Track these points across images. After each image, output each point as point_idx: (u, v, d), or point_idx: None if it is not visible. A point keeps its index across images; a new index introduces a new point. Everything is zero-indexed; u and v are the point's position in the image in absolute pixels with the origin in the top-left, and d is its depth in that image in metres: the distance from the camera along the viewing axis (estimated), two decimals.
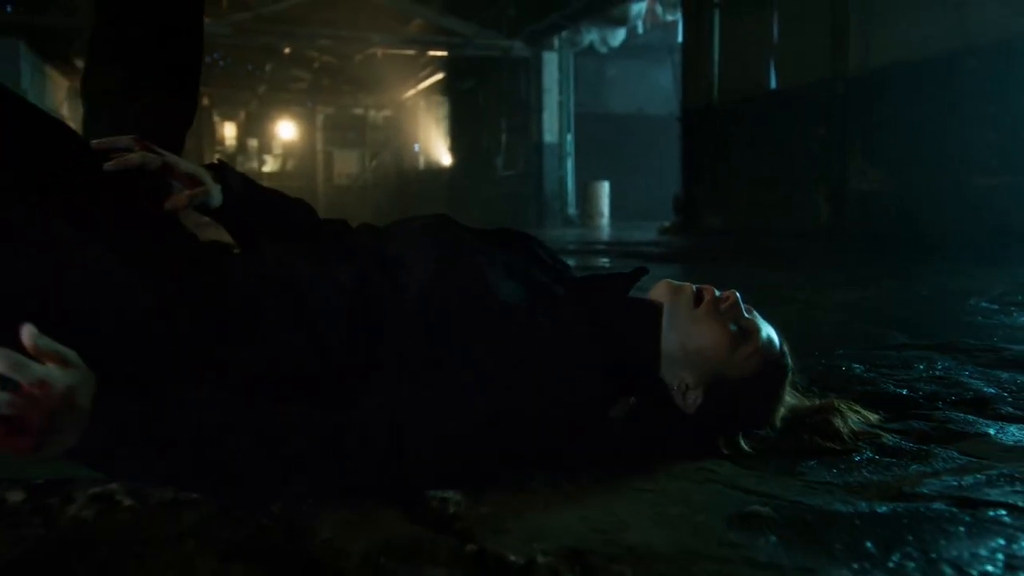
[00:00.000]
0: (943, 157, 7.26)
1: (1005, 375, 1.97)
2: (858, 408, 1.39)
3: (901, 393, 1.79)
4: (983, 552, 0.95)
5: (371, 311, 1.15)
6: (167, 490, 1.07)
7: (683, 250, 7.74)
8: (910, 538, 0.98)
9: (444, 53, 17.44)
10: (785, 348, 1.29)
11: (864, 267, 5.61)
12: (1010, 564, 0.92)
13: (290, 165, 27.15)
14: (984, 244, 6.41)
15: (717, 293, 1.29)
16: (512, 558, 0.93)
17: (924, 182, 7.48)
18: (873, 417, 1.42)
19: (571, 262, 5.99)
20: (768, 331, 1.29)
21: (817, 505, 1.09)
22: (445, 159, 22.10)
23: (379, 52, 17.94)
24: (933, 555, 0.94)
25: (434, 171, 23.19)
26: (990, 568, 0.91)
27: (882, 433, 1.38)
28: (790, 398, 1.32)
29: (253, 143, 26.73)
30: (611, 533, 1.00)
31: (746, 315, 1.27)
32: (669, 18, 12.59)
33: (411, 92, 23.03)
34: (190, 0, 2.13)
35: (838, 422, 1.32)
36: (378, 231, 1.39)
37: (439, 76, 20.41)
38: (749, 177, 9.75)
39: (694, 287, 1.30)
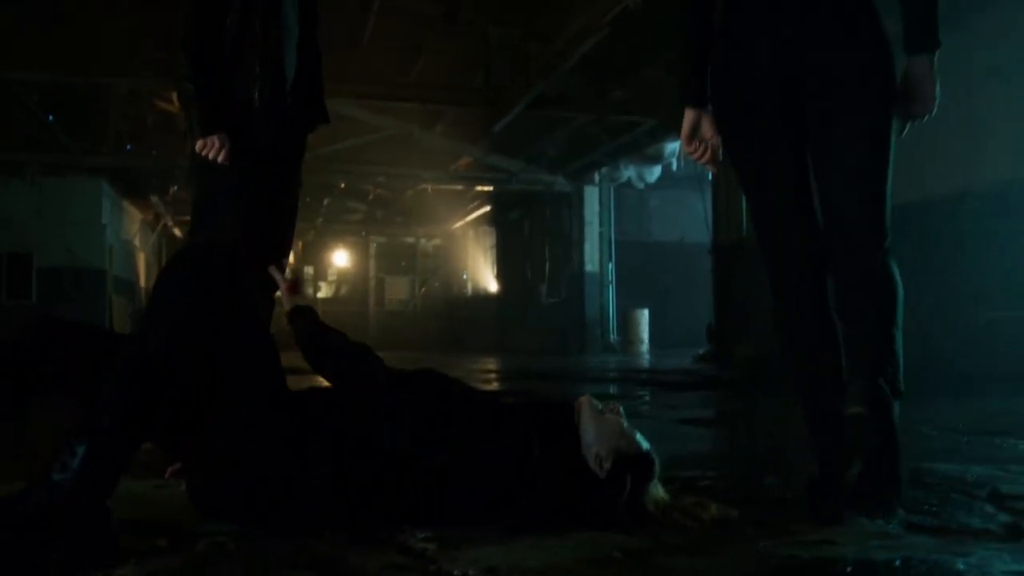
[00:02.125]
0: (956, 292, 7.62)
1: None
2: (718, 505, 1.87)
3: None
4: None
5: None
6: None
7: (712, 380, 8.09)
8: None
9: (490, 188, 18.41)
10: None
11: None
12: None
13: (344, 291, 28.21)
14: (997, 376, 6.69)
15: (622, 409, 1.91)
16: (456, 572, 1.51)
17: (941, 316, 7.81)
18: (733, 512, 1.87)
19: (611, 389, 6.38)
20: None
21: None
22: (492, 286, 22.86)
23: (429, 187, 18.98)
24: None
25: (481, 298, 23.93)
26: None
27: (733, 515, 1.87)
28: (662, 488, 1.83)
29: (309, 270, 27.92)
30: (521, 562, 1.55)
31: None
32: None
33: (460, 223, 24.07)
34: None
35: (699, 510, 1.80)
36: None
37: (486, 208, 21.41)
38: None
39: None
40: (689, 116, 2.17)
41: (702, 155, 2.18)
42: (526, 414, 1.86)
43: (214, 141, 2.81)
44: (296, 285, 2.24)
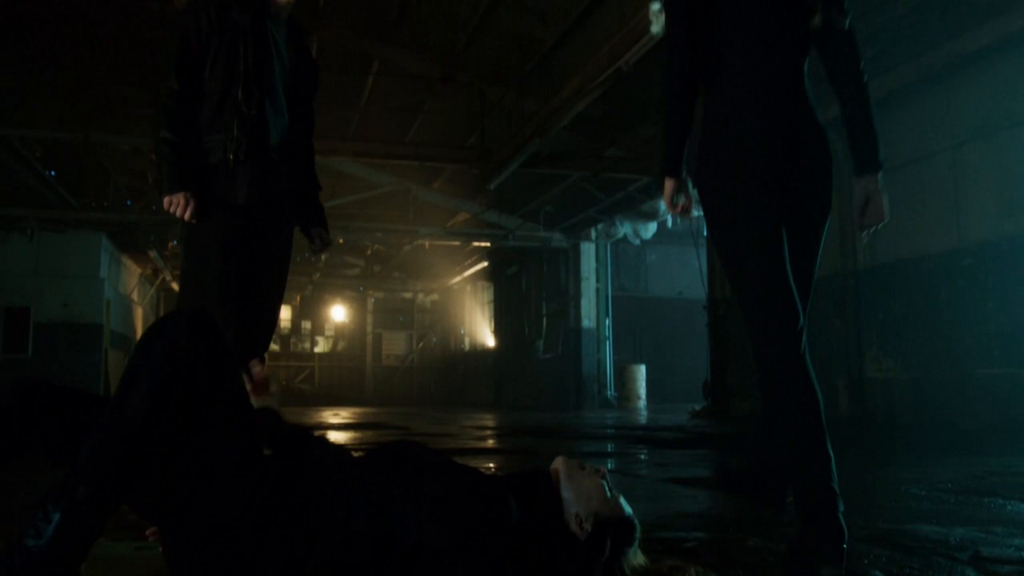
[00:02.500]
0: (950, 347, 7.65)
1: None
2: (698, 569, 1.85)
3: None
4: None
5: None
6: None
7: (706, 437, 8.06)
8: None
9: (487, 244, 18.54)
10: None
11: (877, 454, 5.92)
12: None
13: (341, 346, 28.18)
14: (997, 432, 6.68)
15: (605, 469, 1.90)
16: None
17: (936, 372, 7.83)
18: None
19: (608, 447, 6.36)
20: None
21: None
22: (489, 341, 22.86)
23: (427, 243, 19.12)
24: None
25: (479, 353, 23.92)
26: None
27: None
28: (641, 554, 1.81)
29: (307, 325, 27.94)
30: None
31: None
32: (696, 213, 13.38)
33: (457, 278, 24.16)
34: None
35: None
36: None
37: (483, 264, 21.51)
38: None
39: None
40: (670, 184, 2.33)
41: (682, 211, 2.38)
42: (505, 481, 1.87)
43: (179, 199, 2.84)
44: (266, 384, 2.24)
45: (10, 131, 11.31)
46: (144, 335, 1.63)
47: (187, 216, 2.85)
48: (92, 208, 14.53)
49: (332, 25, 10.28)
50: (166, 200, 2.86)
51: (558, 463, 1.91)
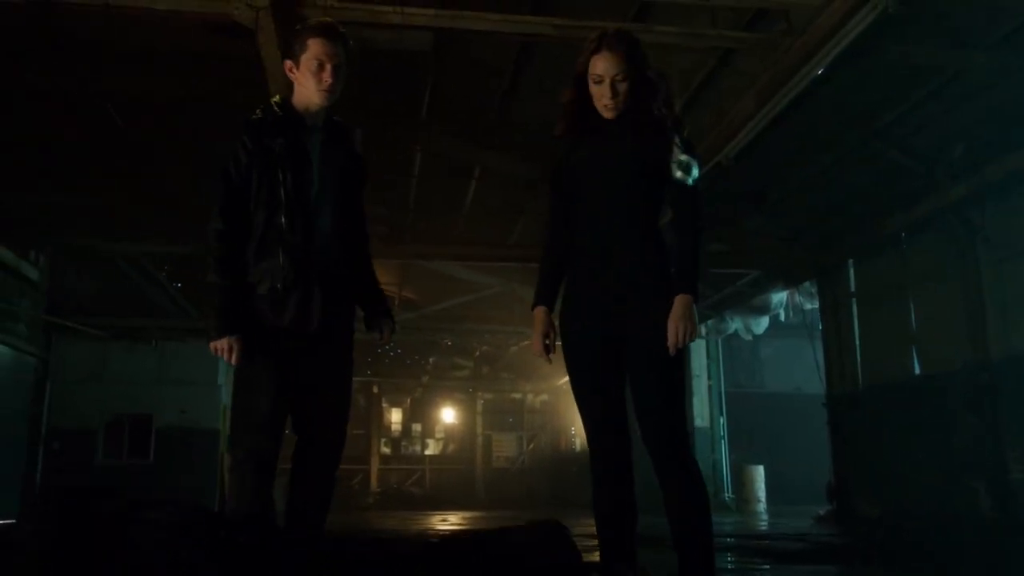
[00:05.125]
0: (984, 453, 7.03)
1: None
2: None
3: None
4: None
5: None
6: None
7: (834, 549, 7.44)
8: None
9: None
10: None
11: None
12: None
13: (451, 448, 28.09)
14: None
15: None
16: None
17: (976, 472, 7.17)
18: None
19: (727, 559, 5.96)
20: None
21: None
22: None
23: None
24: None
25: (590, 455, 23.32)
26: None
27: None
28: None
29: (417, 427, 28.01)
30: None
31: None
32: (808, 306, 12.94)
33: (566, 378, 23.77)
34: None
35: None
36: None
37: None
38: (901, 464, 9.48)
39: None
40: (537, 314, 2.96)
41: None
42: None
43: (224, 345, 2.87)
44: None
45: (140, 246, 11.99)
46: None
47: (233, 361, 2.89)
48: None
49: (435, 134, 10.56)
50: (212, 346, 2.89)
51: None
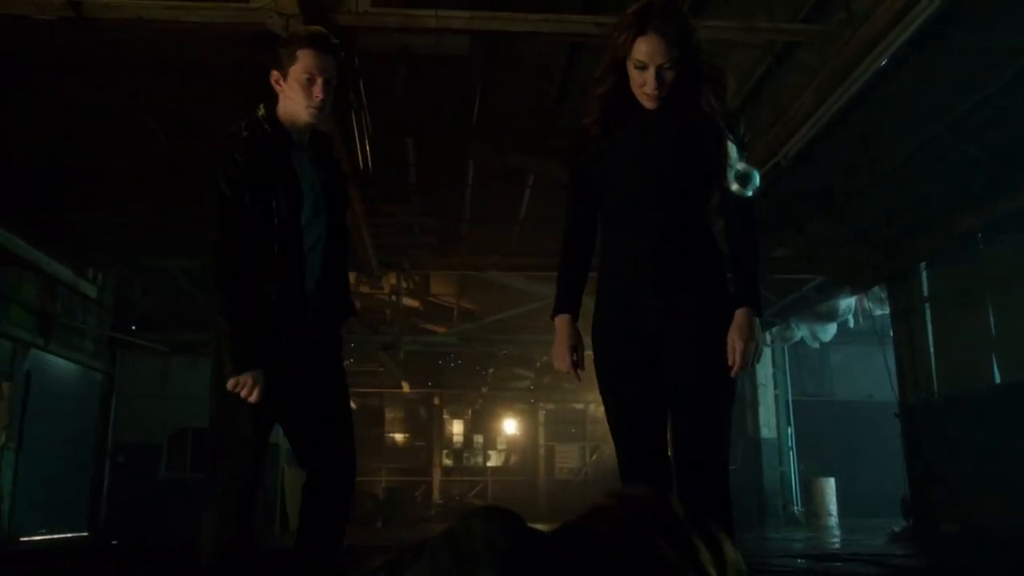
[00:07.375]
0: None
1: None
2: None
3: None
4: None
5: None
6: None
7: (914, 573, 6.97)
8: None
9: None
10: None
11: None
12: None
13: (513, 460, 27.87)
14: None
15: None
16: None
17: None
18: None
19: None
20: None
21: None
22: None
23: None
24: None
25: None
26: None
27: None
28: None
29: (479, 439, 27.87)
30: None
31: None
32: (878, 312, 12.41)
33: None
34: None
35: None
36: None
37: None
38: (982, 477, 8.93)
39: None
40: (560, 323, 2.71)
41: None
42: None
43: (247, 380, 2.68)
44: None
45: (190, 262, 12.09)
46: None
47: (254, 398, 2.69)
48: None
49: (488, 141, 10.39)
50: (231, 381, 2.68)
51: None
